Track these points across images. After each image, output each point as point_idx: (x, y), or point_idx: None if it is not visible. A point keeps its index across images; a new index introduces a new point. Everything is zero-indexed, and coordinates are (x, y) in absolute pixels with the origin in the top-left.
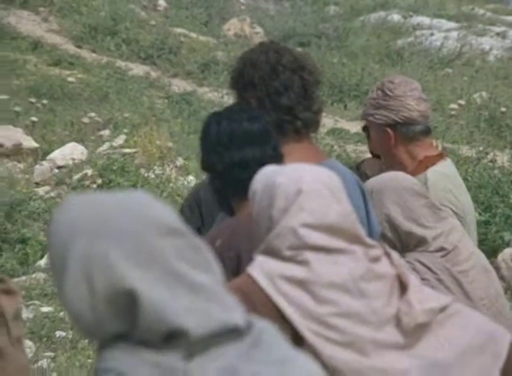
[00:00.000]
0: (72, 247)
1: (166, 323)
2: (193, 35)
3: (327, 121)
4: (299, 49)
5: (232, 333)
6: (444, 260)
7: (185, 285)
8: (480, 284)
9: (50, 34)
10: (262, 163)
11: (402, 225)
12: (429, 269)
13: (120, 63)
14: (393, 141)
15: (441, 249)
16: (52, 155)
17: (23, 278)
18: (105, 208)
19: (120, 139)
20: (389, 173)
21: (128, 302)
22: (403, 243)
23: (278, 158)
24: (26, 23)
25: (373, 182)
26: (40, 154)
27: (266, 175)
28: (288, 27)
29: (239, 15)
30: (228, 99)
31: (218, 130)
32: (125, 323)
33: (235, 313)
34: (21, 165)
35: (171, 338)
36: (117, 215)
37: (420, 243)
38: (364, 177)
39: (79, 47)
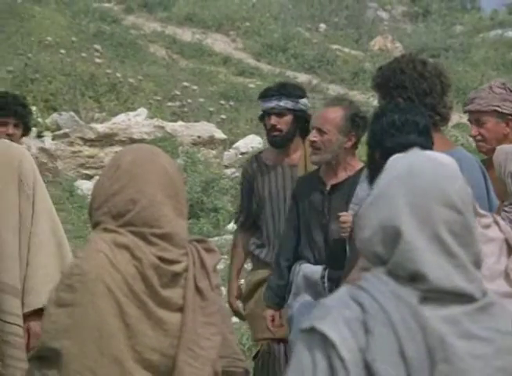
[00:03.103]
0: (381, 181)
1: (414, 265)
2: (346, 50)
3: (453, 117)
4: (431, 60)
5: (463, 297)
6: None
7: (442, 248)
8: None
9: (237, 51)
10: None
11: None
12: None
13: (289, 73)
14: (508, 129)
15: None
16: (236, 144)
17: (216, 239)
18: (414, 166)
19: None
20: None
21: (393, 235)
22: None
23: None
24: (219, 43)
25: None
26: (228, 143)
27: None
28: (422, 43)
29: (382, 33)
30: (373, 100)
31: (393, 117)
32: (386, 250)
33: (473, 285)
34: (214, 152)
35: (414, 280)
36: (422, 174)
37: None
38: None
39: (258, 61)
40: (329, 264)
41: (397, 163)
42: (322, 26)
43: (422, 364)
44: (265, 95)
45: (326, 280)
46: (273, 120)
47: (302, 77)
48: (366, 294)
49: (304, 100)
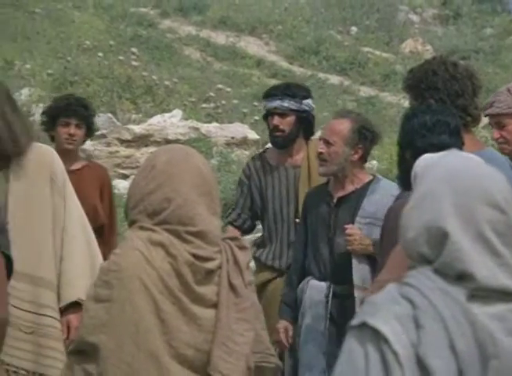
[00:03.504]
0: (424, 182)
1: (462, 265)
2: (377, 53)
3: (483, 118)
4: (462, 62)
5: (509, 295)
6: None
7: (487, 248)
8: None
9: (269, 54)
10: None
11: None
12: None
13: (321, 75)
14: None
15: None
16: (269, 145)
17: (249, 237)
18: (457, 166)
19: (319, 133)
20: None
21: (439, 236)
22: None
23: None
24: (252, 46)
25: None
26: (260, 144)
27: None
28: (452, 45)
29: (413, 36)
30: (404, 101)
31: (425, 118)
32: (432, 251)
33: None
34: (247, 152)
35: (461, 279)
36: (465, 174)
37: None
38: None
39: (291, 63)
40: (333, 278)
41: (437, 164)
42: (354, 29)
43: (473, 359)
44: (269, 94)
45: (330, 298)
46: (276, 120)
47: (334, 79)
48: (416, 291)
49: (308, 101)
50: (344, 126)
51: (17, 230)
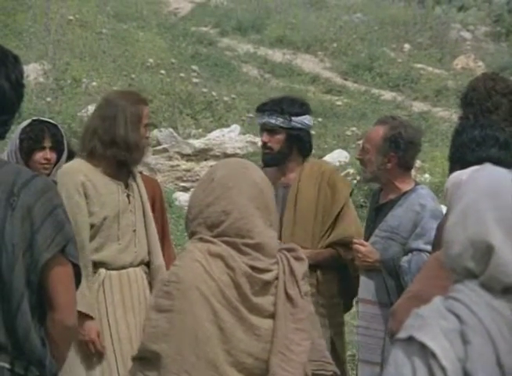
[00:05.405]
0: (464, 197)
1: (508, 278)
2: (430, 69)
3: None
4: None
5: None
6: None
7: None
8: None
9: (324, 70)
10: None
11: None
12: None
13: (375, 91)
14: None
15: None
16: (324, 158)
17: None
18: (498, 180)
19: None
20: None
21: (485, 251)
22: None
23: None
24: (307, 63)
25: None
26: (316, 158)
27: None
28: (504, 61)
29: (465, 53)
30: (456, 116)
31: (473, 133)
32: (478, 265)
33: None
34: None
35: (508, 292)
36: (506, 188)
37: None
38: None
39: (345, 79)
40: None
41: (474, 178)
42: (407, 46)
43: None
44: (259, 109)
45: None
46: (264, 137)
47: (387, 95)
48: (462, 306)
49: (301, 118)
50: (377, 134)
51: (152, 229)
